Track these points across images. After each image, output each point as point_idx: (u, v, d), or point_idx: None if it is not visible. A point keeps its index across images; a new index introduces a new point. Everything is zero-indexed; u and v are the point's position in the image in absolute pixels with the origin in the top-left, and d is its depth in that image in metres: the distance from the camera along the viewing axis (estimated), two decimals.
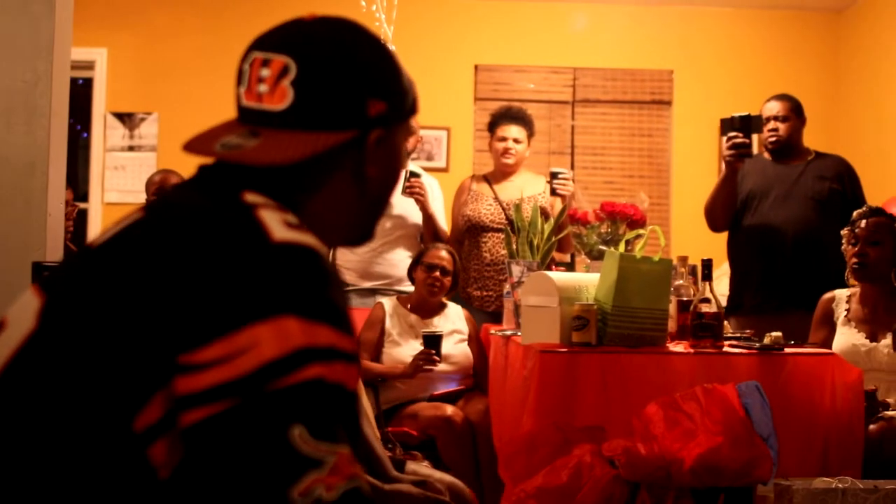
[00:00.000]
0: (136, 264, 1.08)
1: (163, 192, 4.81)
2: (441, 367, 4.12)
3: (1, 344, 1.11)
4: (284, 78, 1.21)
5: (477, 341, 4.34)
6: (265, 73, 1.23)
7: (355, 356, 1.07)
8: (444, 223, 4.86)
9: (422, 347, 4.09)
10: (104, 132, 6.59)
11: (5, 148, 2.46)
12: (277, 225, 1.09)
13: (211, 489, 0.98)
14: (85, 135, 6.72)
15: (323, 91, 1.22)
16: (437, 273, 4.29)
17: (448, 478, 1.69)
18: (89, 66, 6.50)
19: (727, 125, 4.15)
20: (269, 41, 1.25)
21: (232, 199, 1.15)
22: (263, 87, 1.22)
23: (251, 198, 1.15)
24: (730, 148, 4.11)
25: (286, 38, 1.25)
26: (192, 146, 1.23)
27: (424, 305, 4.38)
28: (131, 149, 6.61)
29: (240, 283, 1.02)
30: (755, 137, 4.81)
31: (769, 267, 4.22)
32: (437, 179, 4.99)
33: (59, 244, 2.55)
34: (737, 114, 4.15)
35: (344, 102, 1.22)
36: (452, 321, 4.38)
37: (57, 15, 2.53)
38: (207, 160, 1.24)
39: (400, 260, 4.78)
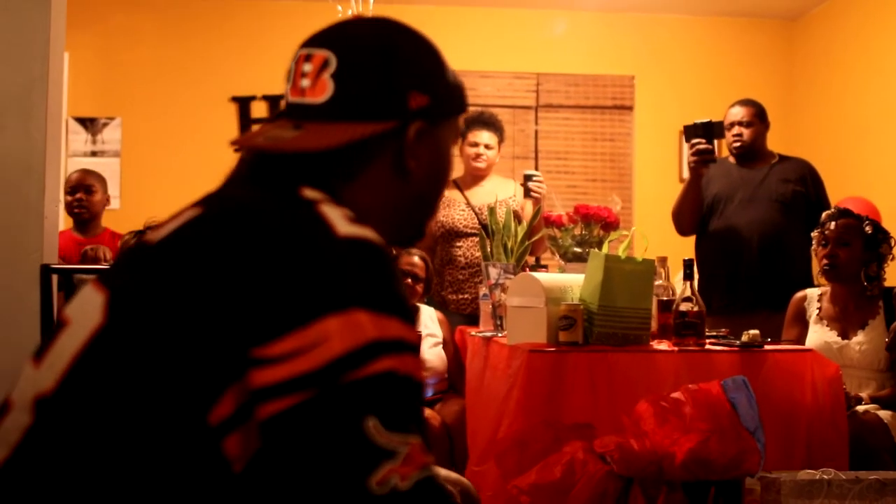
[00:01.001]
0: (203, 259, 1.09)
1: (82, 190, 4.70)
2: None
3: (67, 340, 1.11)
4: (325, 71, 1.23)
5: (452, 344, 4.38)
6: (307, 67, 1.25)
7: (419, 348, 1.10)
8: None
9: None
10: (66, 137, 6.51)
11: (0, 150, 2.45)
12: (340, 220, 1.10)
13: (288, 480, 0.99)
14: None
15: (362, 82, 1.23)
16: (409, 280, 4.33)
17: (454, 475, 1.71)
18: None
19: (690, 131, 4.24)
20: (314, 38, 1.28)
21: (291, 194, 1.16)
22: (306, 82, 1.24)
23: (310, 193, 1.16)
24: (694, 154, 4.20)
25: (328, 34, 1.28)
26: (239, 142, 1.26)
27: None
28: (94, 154, 6.55)
29: (309, 277, 1.03)
30: (717, 142, 4.91)
31: (736, 268, 4.31)
32: None
33: (54, 246, 2.54)
34: (699, 120, 4.24)
35: (383, 93, 1.24)
36: (425, 325, 4.41)
37: (52, 17, 2.53)
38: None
39: None
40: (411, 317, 1.08)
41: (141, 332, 1.06)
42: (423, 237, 1.40)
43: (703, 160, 4.20)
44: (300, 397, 0.99)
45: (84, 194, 4.70)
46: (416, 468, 1.00)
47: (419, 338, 1.11)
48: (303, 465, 0.98)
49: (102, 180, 4.84)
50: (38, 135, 2.46)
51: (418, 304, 4.48)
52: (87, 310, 1.13)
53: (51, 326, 1.19)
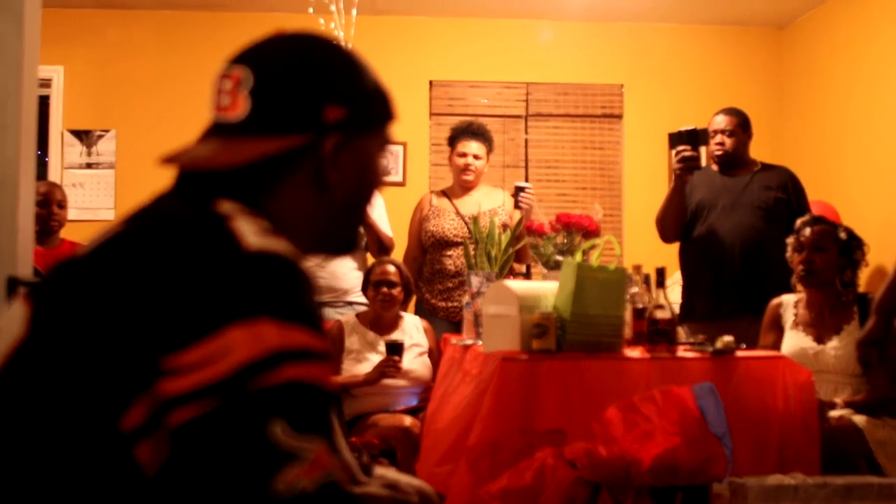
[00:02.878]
0: (117, 273, 1.12)
1: (55, 203, 4.70)
2: (401, 381, 4.20)
3: None
4: (242, 88, 1.26)
5: (438, 352, 4.42)
6: (227, 84, 1.27)
7: (328, 356, 1.11)
8: (387, 230, 4.92)
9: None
10: (62, 150, 6.57)
11: None
12: (250, 232, 1.13)
13: (197, 485, 1.02)
14: (39, 153, 6.68)
15: (276, 97, 1.25)
16: (385, 288, 4.38)
17: (416, 482, 1.74)
18: (46, 83, 6.45)
19: (675, 139, 4.28)
20: (236, 55, 1.30)
21: (206, 208, 1.19)
22: (225, 99, 1.27)
23: (225, 206, 1.19)
24: (679, 161, 4.24)
25: (247, 52, 1.30)
26: (167, 159, 1.28)
27: (380, 321, 4.46)
28: (89, 166, 6.60)
29: (215, 288, 1.06)
30: (703, 149, 4.95)
31: (718, 274, 4.35)
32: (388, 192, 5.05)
33: (28, 259, 2.57)
34: (684, 128, 4.28)
35: (296, 107, 1.25)
36: (410, 334, 4.45)
37: (25, 31, 2.56)
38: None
39: (345, 272, 4.82)
40: (318, 325, 1.11)
41: (58, 343, 1.10)
42: (354, 248, 1.42)
43: (687, 167, 4.25)
44: (207, 406, 1.02)
45: (57, 208, 4.77)
46: (320, 470, 1.03)
47: (328, 345, 1.13)
48: (211, 470, 1.01)
49: (65, 195, 4.91)
50: (12, 149, 2.49)
51: (402, 314, 4.53)
52: (10, 322, 1.17)
53: None
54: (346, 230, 1.37)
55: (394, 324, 4.47)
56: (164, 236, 1.14)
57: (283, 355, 1.05)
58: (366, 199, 1.36)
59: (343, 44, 1.35)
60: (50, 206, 4.75)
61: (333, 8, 4.71)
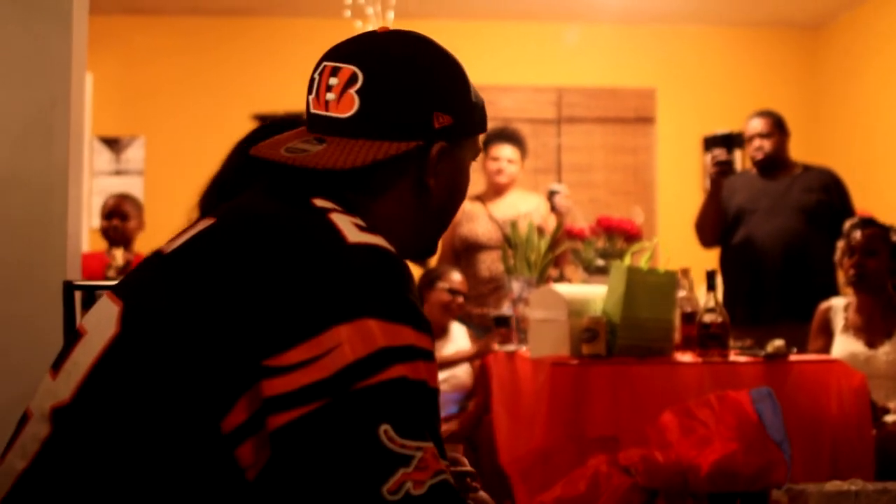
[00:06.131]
0: (215, 269, 1.10)
1: (117, 216, 4.79)
2: (445, 387, 4.15)
3: (83, 350, 1.13)
4: (351, 87, 1.23)
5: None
6: (333, 81, 1.25)
7: (433, 354, 1.09)
8: None
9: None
10: (90, 157, 6.57)
11: (24, 171, 2.46)
12: (350, 228, 1.11)
13: (302, 488, 1.00)
14: None
15: (388, 101, 1.23)
16: (460, 298, 4.36)
17: (484, 495, 1.71)
18: None
19: (710, 143, 4.28)
20: (340, 51, 1.28)
21: (303, 204, 1.17)
22: (331, 95, 1.24)
23: (320, 203, 1.17)
24: (714, 165, 4.22)
25: (356, 49, 1.27)
26: (259, 150, 1.26)
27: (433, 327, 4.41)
28: (118, 173, 6.60)
29: (319, 286, 1.04)
30: (739, 153, 4.92)
31: (760, 279, 4.30)
32: None
33: (77, 265, 2.56)
34: (719, 131, 4.25)
35: (408, 113, 1.24)
36: (458, 343, 4.42)
37: (73, 37, 2.54)
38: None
39: None
40: (423, 323, 1.09)
41: (155, 341, 1.08)
42: (435, 253, 1.40)
43: (722, 171, 4.22)
44: (312, 406, 1.00)
45: (119, 221, 4.79)
46: (429, 474, 1.00)
47: (432, 344, 1.11)
48: (317, 473, 0.99)
49: (139, 207, 4.93)
50: (61, 154, 2.47)
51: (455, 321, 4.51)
52: (102, 321, 1.15)
53: (69, 336, 1.21)
54: (434, 236, 1.36)
55: (444, 329, 4.43)
56: (263, 232, 1.13)
57: (390, 354, 1.02)
58: (456, 205, 1.35)
59: (447, 50, 1.33)
60: (112, 219, 4.79)
61: (371, 11, 4.69)
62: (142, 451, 1.03)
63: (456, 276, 4.43)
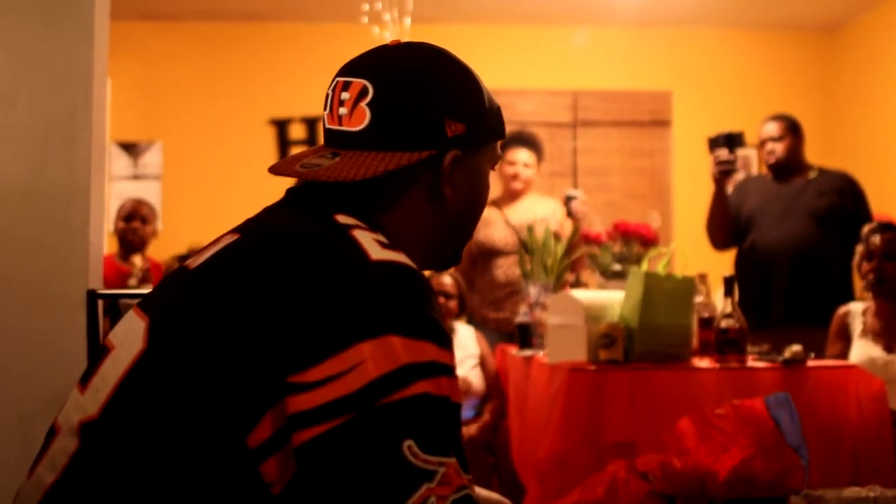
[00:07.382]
0: (240, 286, 1.11)
1: (137, 219, 4.82)
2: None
3: (111, 365, 1.15)
4: (362, 100, 1.24)
5: (488, 358, 4.39)
6: (345, 96, 1.26)
7: (455, 370, 1.09)
8: None
9: None
10: (108, 162, 6.60)
11: (45, 179, 2.46)
12: (372, 245, 1.12)
13: (326, 503, 1.00)
14: None
15: (398, 111, 1.24)
16: (442, 299, 4.34)
17: (495, 496, 1.71)
18: None
19: (712, 143, 4.27)
20: (352, 66, 1.29)
21: (326, 220, 1.18)
22: (343, 110, 1.26)
23: (343, 219, 1.18)
24: (716, 165, 4.22)
25: (366, 63, 1.28)
26: (276, 168, 1.27)
27: None
28: (136, 177, 6.63)
29: (343, 303, 1.05)
30: (755, 155, 4.91)
31: (771, 284, 4.30)
32: None
33: (99, 273, 2.57)
34: (721, 132, 4.25)
35: (419, 122, 1.25)
36: (464, 347, 4.42)
37: (95, 43, 2.55)
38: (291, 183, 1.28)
39: None
40: (446, 340, 1.09)
41: (181, 357, 1.09)
42: (460, 261, 1.40)
43: (724, 171, 4.23)
44: (337, 422, 1.00)
45: (139, 223, 4.83)
46: (452, 489, 1.01)
47: (454, 360, 1.11)
48: (341, 488, 1.00)
49: (154, 212, 4.98)
50: (83, 161, 2.47)
51: (454, 324, 4.50)
52: (129, 336, 1.16)
53: (97, 351, 1.22)
54: (456, 245, 1.36)
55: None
56: (287, 247, 1.14)
57: (413, 371, 1.03)
58: (477, 213, 1.35)
59: (458, 57, 1.33)
60: (132, 221, 4.83)
61: (387, 16, 4.71)
62: (169, 465, 1.04)
63: (447, 280, 4.42)
